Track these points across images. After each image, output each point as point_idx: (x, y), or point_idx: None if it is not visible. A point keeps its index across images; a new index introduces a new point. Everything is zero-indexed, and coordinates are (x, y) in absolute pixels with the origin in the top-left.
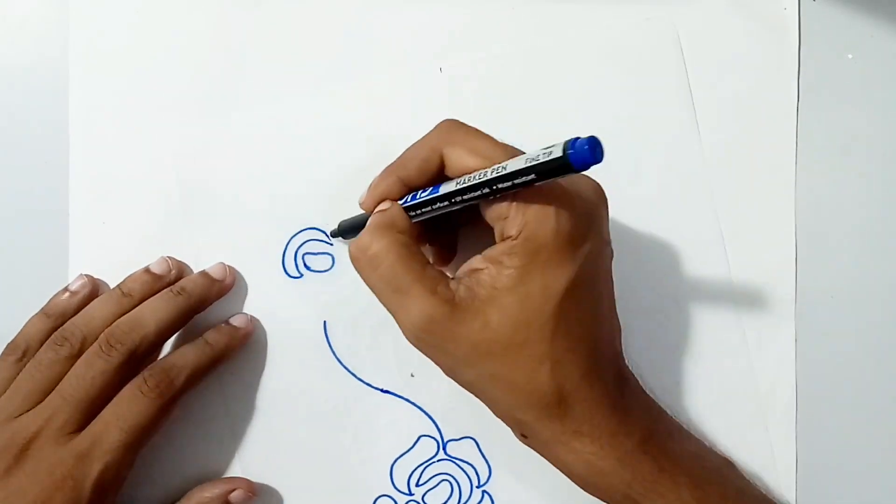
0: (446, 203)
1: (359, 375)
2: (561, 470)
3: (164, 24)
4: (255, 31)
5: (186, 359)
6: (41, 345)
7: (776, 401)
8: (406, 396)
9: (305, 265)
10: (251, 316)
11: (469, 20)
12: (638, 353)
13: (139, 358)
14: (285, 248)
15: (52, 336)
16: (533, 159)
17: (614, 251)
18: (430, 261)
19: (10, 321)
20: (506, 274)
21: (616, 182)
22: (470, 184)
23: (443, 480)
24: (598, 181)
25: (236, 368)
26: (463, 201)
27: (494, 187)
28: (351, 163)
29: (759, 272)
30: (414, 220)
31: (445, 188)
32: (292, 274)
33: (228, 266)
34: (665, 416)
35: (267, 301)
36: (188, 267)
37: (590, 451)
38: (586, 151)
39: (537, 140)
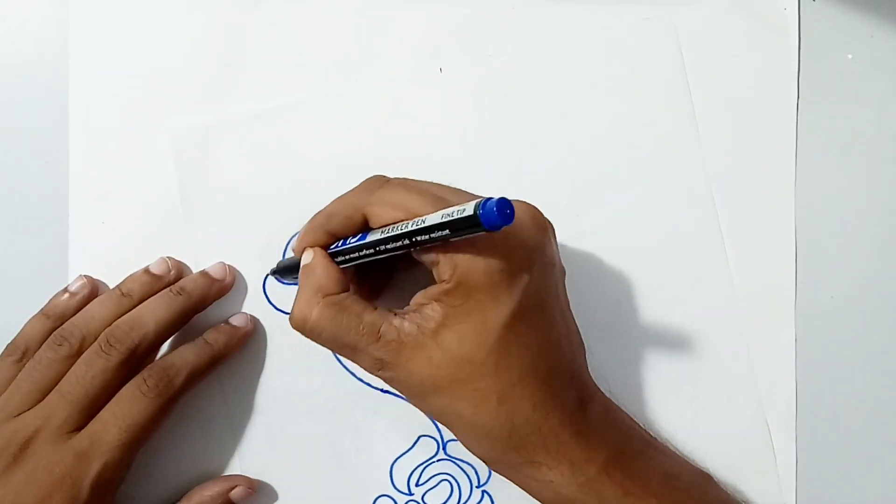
0: (372, 251)
1: (358, 375)
2: (532, 496)
3: (164, 24)
4: (256, 31)
5: (186, 359)
6: (40, 345)
7: (776, 401)
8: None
9: None
10: (251, 315)
11: (468, 20)
12: (636, 354)
13: (139, 357)
14: (284, 251)
15: (51, 336)
16: (448, 215)
17: (611, 251)
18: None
19: (10, 321)
20: (445, 312)
21: (615, 182)
22: (390, 235)
23: (443, 480)
24: (535, 206)
25: (237, 369)
26: (387, 251)
27: (414, 239)
28: (351, 163)
29: (759, 272)
30: (344, 266)
31: (371, 236)
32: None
33: (228, 266)
34: (635, 434)
35: (265, 303)
36: (188, 267)
37: (550, 479)
38: (495, 214)
39: (534, 142)
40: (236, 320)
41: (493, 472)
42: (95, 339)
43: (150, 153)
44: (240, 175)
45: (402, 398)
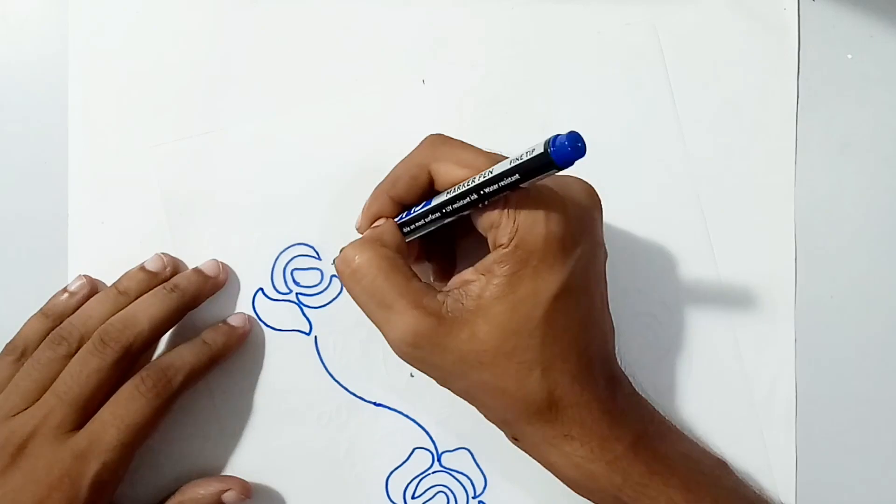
0: (438, 215)
1: (351, 390)
2: (552, 472)
3: (164, 24)
4: (256, 31)
5: (184, 359)
6: (39, 345)
7: (776, 401)
8: (399, 409)
9: (294, 281)
10: (249, 315)
11: (461, 24)
12: (634, 355)
13: (133, 355)
14: (273, 264)
15: (49, 335)
16: (516, 160)
17: (608, 254)
18: (432, 277)
19: (10, 321)
20: (495, 283)
21: (609, 185)
22: (459, 192)
23: (439, 492)
24: (590, 184)
25: (229, 385)
26: (454, 211)
27: (482, 192)
28: (343, 177)
29: (759, 273)
30: (410, 237)
31: (436, 200)
32: (281, 290)
33: (221, 263)
34: (657, 418)
35: (256, 317)
36: (183, 263)
37: (580, 455)
38: (567, 147)
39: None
40: (234, 320)
41: (488, 483)
42: None
43: (149, 153)
44: (232, 188)
45: (396, 410)
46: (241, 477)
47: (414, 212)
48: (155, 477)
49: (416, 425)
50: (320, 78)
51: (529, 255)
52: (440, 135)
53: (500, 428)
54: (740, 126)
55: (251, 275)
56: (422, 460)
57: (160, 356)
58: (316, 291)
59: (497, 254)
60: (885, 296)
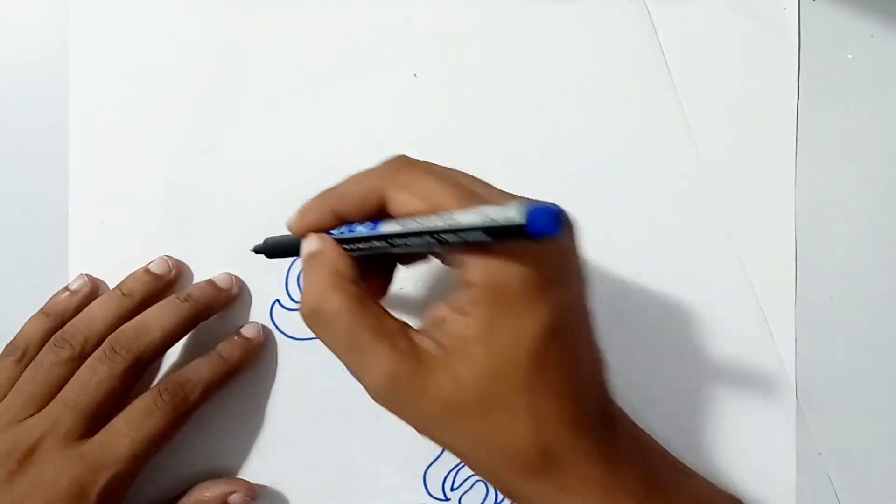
0: (385, 244)
1: None
2: None
3: (165, 24)
4: (256, 31)
5: (201, 374)
6: (40, 345)
7: (776, 401)
8: None
9: None
10: (262, 325)
11: (462, 24)
12: (626, 358)
13: (144, 364)
14: (287, 274)
15: (53, 338)
16: (488, 218)
17: (601, 254)
18: None
19: (10, 321)
20: (472, 323)
21: (603, 184)
22: (413, 230)
23: (477, 482)
24: (565, 210)
25: (255, 396)
26: (404, 245)
27: (441, 237)
28: (342, 167)
29: (759, 272)
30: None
31: (386, 228)
32: (297, 298)
33: (234, 276)
34: (665, 459)
35: (274, 327)
36: (188, 267)
37: None
38: (546, 224)
39: (518, 142)
40: (248, 331)
41: None
42: (97, 340)
43: (150, 153)
44: (231, 190)
45: None
46: (275, 486)
47: (356, 232)
48: (167, 474)
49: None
50: (321, 77)
51: (506, 294)
52: (403, 157)
53: (493, 486)
54: (740, 126)
55: (266, 284)
56: None
57: (177, 370)
58: None
59: (469, 292)
60: (885, 296)
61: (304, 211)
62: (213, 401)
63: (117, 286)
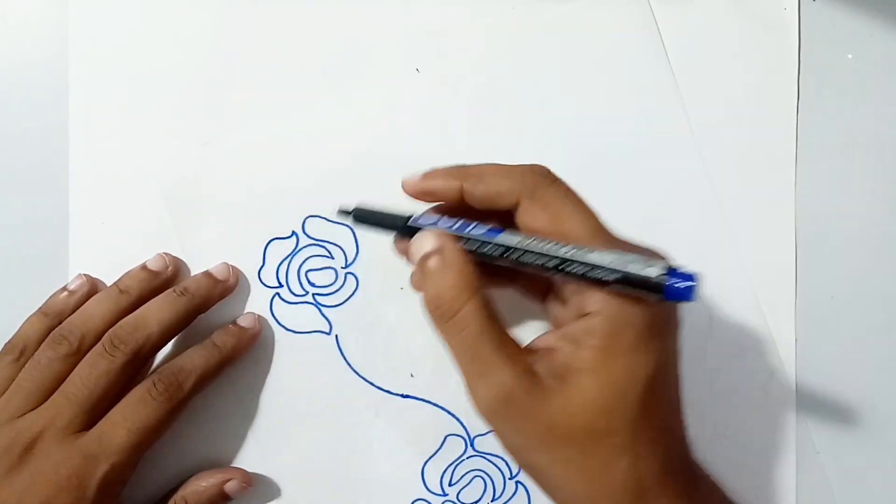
0: (499, 255)
1: (377, 384)
2: None
3: (165, 24)
4: (256, 31)
5: (195, 362)
6: (38, 344)
7: (776, 401)
8: (427, 398)
9: (309, 282)
10: (258, 315)
11: (462, 24)
12: None
13: (143, 358)
14: (288, 266)
15: (50, 335)
16: (626, 269)
17: None
18: None
19: (10, 321)
20: (585, 355)
21: (612, 184)
22: (541, 251)
23: (475, 477)
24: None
25: (255, 390)
26: (519, 263)
27: (568, 269)
28: (345, 173)
29: (759, 272)
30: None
31: (507, 240)
32: (297, 292)
33: (232, 266)
34: None
35: (275, 321)
36: (185, 263)
37: None
38: (685, 291)
39: (527, 142)
40: (244, 321)
41: None
42: (95, 337)
43: (150, 153)
44: (235, 184)
45: (424, 400)
46: (275, 480)
47: (472, 234)
48: (164, 466)
49: (447, 413)
50: (321, 76)
51: (624, 330)
52: (547, 170)
53: None
54: (740, 126)
55: (266, 278)
56: (455, 447)
57: (171, 360)
58: (331, 291)
59: (584, 323)
60: (885, 296)
61: (429, 175)
62: (211, 393)
63: (114, 283)
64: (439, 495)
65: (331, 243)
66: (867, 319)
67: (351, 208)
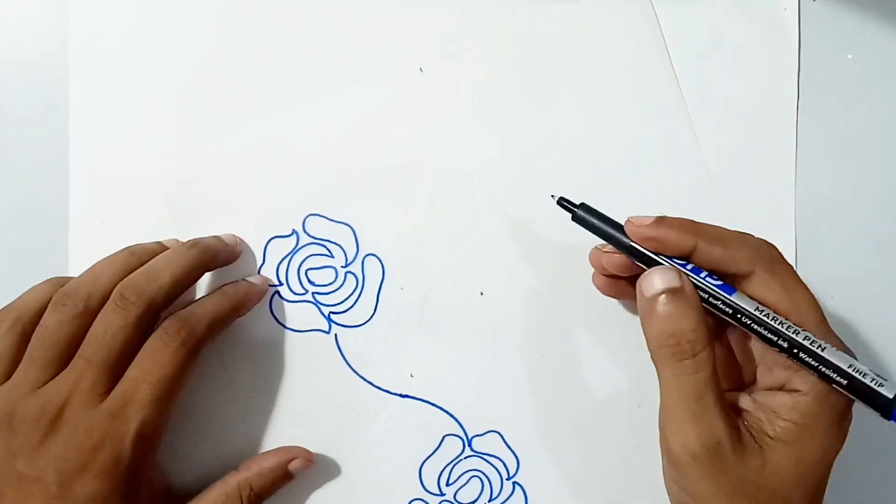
0: (729, 313)
1: (376, 384)
2: None
3: (165, 24)
4: (257, 30)
5: (205, 308)
6: (35, 311)
7: None
8: (426, 398)
9: (309, 280)
10: (266, 277)
11: (461, 24)
12: (634, 356)
13: (156, 310)
14: (287, 265)
15: (55, 297)
16: (859, 378)
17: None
18: None
19: None
20: (781, 426)
21: (612, 184)
22: (775, 327)
23: (472, 477)
24: None
25: (254, 388)
26: (741, 324)
27: (795, 351)
28: (345, 173)
29: None
30: None
31: (743, 302)
32: (297, 290)
33: (238, 237)
34: None
35: (274, 319)
36: None
37: None
38: None
39: (528, 143)
40: (253, 278)
41: (521, 464)
42: (101, 297)
43: (150, 153)
44: (233, 186)
45: (423, 400)
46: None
47: (713, 285)
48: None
49: (445, 413)
50: (323, 75)
51: (824, 413)
52: (776, 250)
53: None
54: (740, 126)
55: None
56: (453, 447)
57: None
58: (331, 290)
59: (792, 399)
60: (885, 296)
61: (663, 223)
62: (208, 389)
63: (125, 248)
64: (436, 495)
65: (331, 242)
66: (867, 319)
67: (575, 202)
